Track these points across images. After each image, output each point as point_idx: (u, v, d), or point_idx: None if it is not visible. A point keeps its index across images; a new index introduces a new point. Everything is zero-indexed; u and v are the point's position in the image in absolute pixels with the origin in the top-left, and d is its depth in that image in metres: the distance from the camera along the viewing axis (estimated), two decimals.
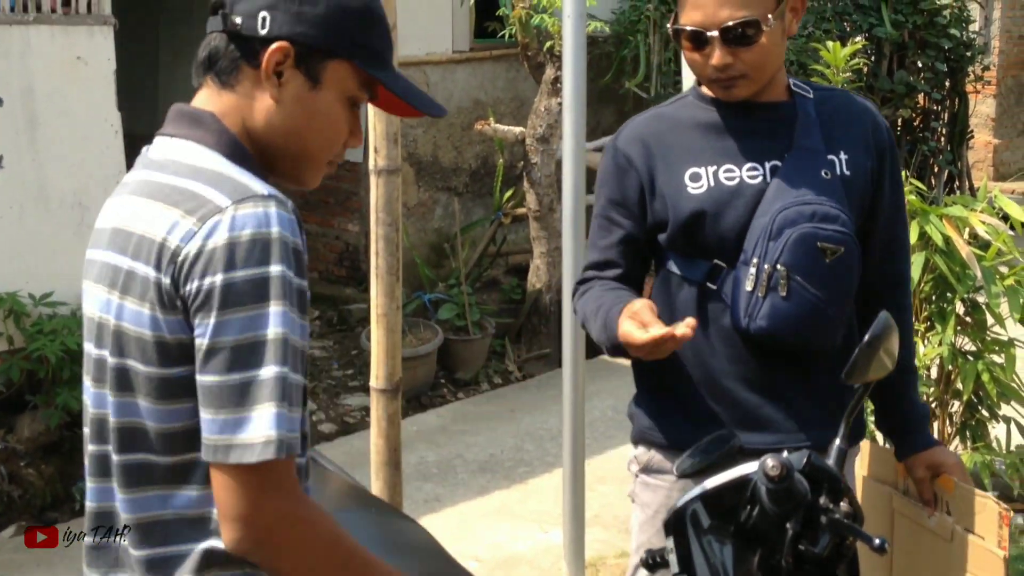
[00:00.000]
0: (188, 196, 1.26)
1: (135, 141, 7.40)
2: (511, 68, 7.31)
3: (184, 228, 1.23)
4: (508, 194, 6.60)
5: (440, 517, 4.22)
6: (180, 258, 1.22)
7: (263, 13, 1.32)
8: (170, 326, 1.24)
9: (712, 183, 1.91)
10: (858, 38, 8.53)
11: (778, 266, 1.80)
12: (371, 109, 2.77)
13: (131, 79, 6.66)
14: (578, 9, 3.03)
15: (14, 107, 4.71)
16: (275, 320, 1.19)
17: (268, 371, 1.18)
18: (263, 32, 1.32)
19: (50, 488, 4.48)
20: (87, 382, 1.38)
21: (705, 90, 2.03)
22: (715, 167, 1.92)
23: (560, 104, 3.72)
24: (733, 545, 1.41)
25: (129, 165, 5.34)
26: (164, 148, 1.38)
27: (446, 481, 4.58)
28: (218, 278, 1.20)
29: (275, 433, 1.17)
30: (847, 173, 1.93)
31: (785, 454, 1.36)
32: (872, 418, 2.32)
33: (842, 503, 1.39)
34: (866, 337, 1.43)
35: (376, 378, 2.91)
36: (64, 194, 4.85)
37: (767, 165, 1.91)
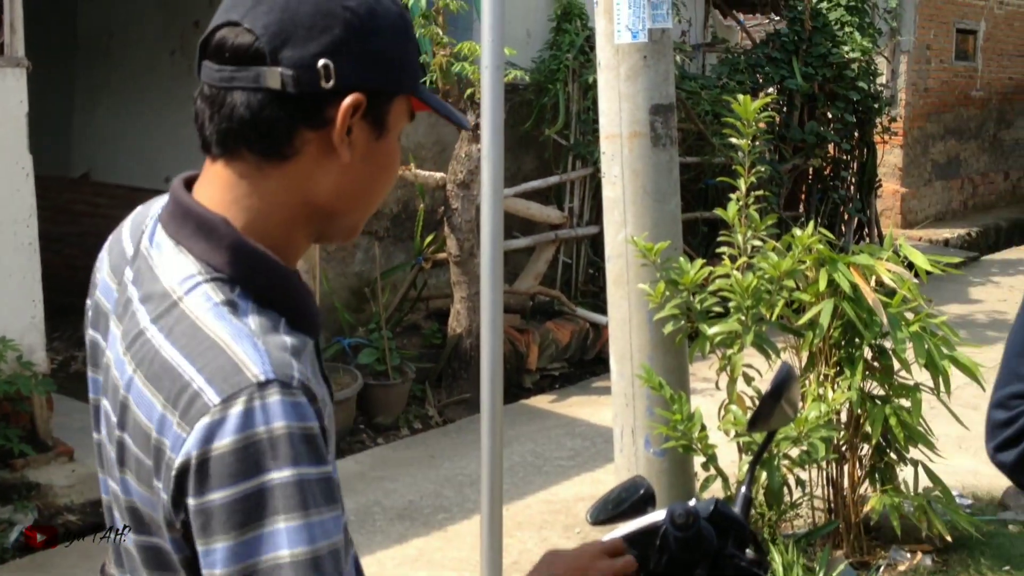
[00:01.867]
0: (178, 384, 1.00)
1: (47, 183, 7.24)
2: (432, 114, 7.35)
3: (173, 433, 0.99)
4: (429, 239, 6.62)
5: None
6: (173, 472, 0.98)
7: (324, 60, 1.05)
8: (176, 544, 1.03)
9: None
10: (770, 89, 8.80)
11: None
12: None
13: (44, 120, 6.54)
14: (496, 60, 3.08)
15: None
16: (287, 538, 0.95)
17: None
18: (328, 85, 1.06)
19: None
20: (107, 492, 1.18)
21: None
22: None
23: (480, 150, 3.77)
24: None
25: (41, 207, 5.18)
26: (166, 261, 1.09)
27: (363, 529, 4.53)
28: (211, 497, 0.96)
29: None
30: None
31: (693, 502, 1.38)
32: None
33: (748, 550, 1.42)
34: (769, 387, 1.47)
35: None
36: None
37: None
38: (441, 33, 5.80)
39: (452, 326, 6.34)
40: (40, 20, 6.20)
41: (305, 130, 1.08)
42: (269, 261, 1.08)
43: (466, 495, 4.87)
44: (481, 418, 3.32)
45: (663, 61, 3.66)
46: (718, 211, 4.10)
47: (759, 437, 3.50)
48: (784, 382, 1.46)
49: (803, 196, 9.64)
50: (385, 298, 6.46)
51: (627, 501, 1.58)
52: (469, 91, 5.84)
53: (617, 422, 3.80)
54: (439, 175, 6.18)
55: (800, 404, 3.79)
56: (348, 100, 1.07)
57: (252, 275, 1.07)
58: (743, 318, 3.71)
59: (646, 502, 1.52)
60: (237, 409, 0.97)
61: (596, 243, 7.55)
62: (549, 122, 7.53)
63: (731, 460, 4.05)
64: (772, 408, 1.46)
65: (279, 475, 0.96)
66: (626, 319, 3.71)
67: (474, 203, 5.95)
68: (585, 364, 7.12)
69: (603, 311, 4.86)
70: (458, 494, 4.92)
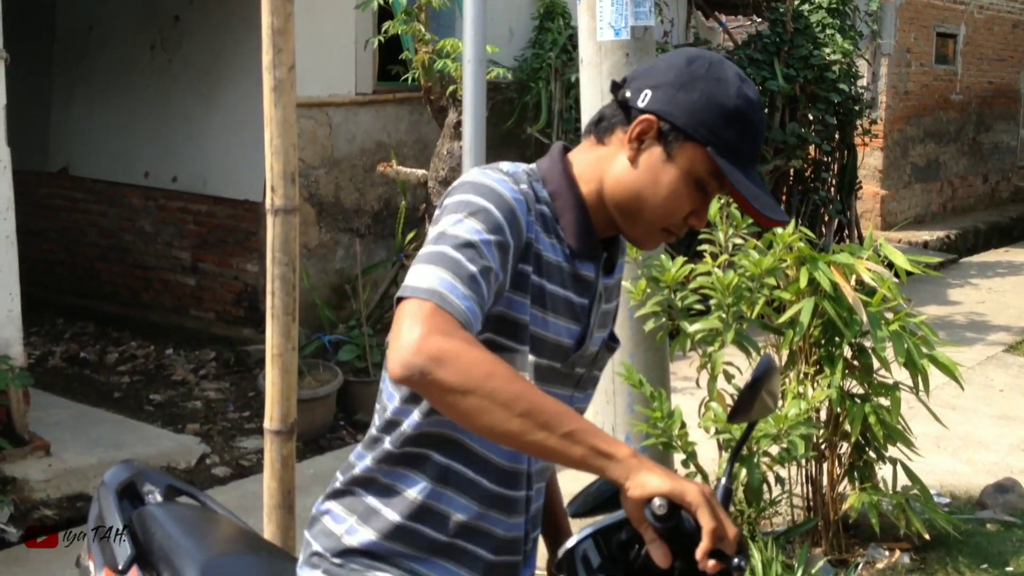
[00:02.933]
0: None
1: (25, 177, 7.20)
2: (414, 111, 7.34)
3: None
4: (410, 236, 6.60)
5: None
6: None
7: (646, 91, 1.57)
8: None
9: None
10: None
11: None
12: (268, 148, 2.75)
13: (23, 114, 6.49)
14: (478, 53, 3.07)
15: None
16: (453, 224, 1.47)
17: (436, 249, 1.45)
18: (640, 105, 1.57)
19: None
20: None
21: None
22: None
23: (462, 147, 3.75)
24: None
25: (19, 202, 5.14)
26: None
27: None
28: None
29: (434, 286, 1.39)
30: None
31: None
32: None
33: None
34: (749, 379, 1.47)
35: (270, 419, 2.87)
36: None
37: None
38: (423, 30, 5.78)
39: None
40: (19, 13, 6.14)
41: (619, 130, 1.61)
42: (566, 179, 1.63)
43: None
44: None
45: (645, 59, 3.65)
46: None
47: (738, 431, 3.50)
48: (765, 373, 1.46)
49: (784, 197, 9.66)
50: (366, 295, 6.44)
51: (606, 493, 1.58)
52: (451, 88, 5.82)
53: (597, 419, 3.80)
54: (420, 172, 6.16)
55: (780, 399, 3.82)
56: (643, 116, 1.56)
57: (549, 178, 1.63)
58: (724, 316, 3.71)
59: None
60: (478, 170, 1.58)
61: None
62: (531, 120, 7.52)
63: (711, 458, 4.05)
64: (752, 399, 1.46)
65: (466, 196, 1.50)
66: None
67: None
68: None
69: None
70: None
